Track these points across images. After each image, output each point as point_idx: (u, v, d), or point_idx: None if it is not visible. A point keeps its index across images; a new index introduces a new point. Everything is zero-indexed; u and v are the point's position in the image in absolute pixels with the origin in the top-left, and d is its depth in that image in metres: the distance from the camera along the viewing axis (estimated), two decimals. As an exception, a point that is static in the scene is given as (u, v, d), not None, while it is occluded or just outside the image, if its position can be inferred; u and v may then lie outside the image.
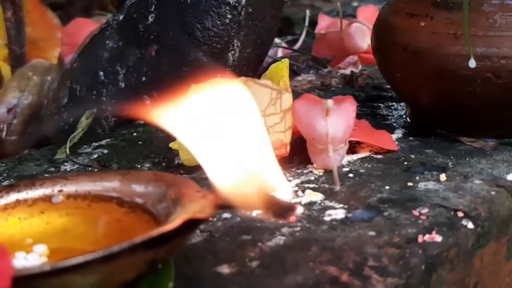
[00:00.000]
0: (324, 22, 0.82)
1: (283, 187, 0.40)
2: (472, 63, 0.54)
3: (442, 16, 0.57)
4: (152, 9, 0.67)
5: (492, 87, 0.55)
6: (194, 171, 0.54)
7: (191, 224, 0.36)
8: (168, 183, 0.42)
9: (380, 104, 0.69)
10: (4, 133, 0.74)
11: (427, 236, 0.44)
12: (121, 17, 0.68)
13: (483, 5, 0.56)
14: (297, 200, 0.49)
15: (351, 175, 0.53)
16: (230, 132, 0.40)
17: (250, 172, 0.39)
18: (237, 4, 0.65)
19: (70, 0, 1.17)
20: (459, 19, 0.55)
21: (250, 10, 0.66)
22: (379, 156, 0.56)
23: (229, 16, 0.65)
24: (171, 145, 0.59)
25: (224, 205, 0.38)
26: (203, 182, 0.51)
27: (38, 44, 0.98)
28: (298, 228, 0.45)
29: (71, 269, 0.32)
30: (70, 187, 0.44)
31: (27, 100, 0.75)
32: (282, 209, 0.38)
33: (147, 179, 0.43)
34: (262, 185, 0.39)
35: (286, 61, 0.58)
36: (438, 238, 0.44)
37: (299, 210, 0.38)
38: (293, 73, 0.80)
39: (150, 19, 0.67)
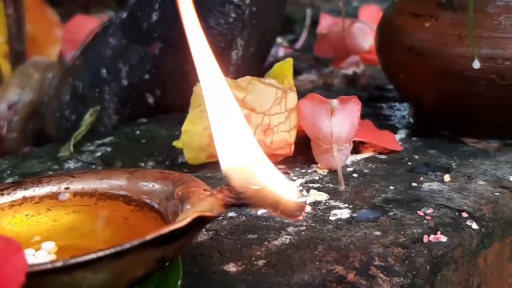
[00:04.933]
0: (326, 22, 0.82)
1: (288, 186, 0.40)
2: (476, 64, 0.54)
3: (447, 17, 0.57)
4: (156, 7, 0.67)
5: (496, 89, 0.55)
6: (198, 169, 0.54)
7: (200, 222, 0.36)
8: (175, 181, 0.42)
9: (382, 105, 0.69)
10: (4, 130, 0.73)
11: (432, 236, 0.44)
12: (124, 15, 0.68)
13: (487, 7, 0.56)
14: (302, 199, 0.49)
15: (355, 175, 0.53)
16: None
17: (257, 170, 0.39)
18: (241, 3, 0.65)
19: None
20: (463, 20, 0.55)
21: (254, 9, 0.66)
22: (383, 157, 0.56)
23: (233, 15, 0.65)
24: (175, 143, 0.59)
25: (232, 204, 0.38)
26: (208, 181, 0.51)
27: (37, 41, 0.98)
28: (304, 228, 0.45)
29: (83, 266, 0.32)
30: (77, 185, 0.44)
31: (28, 97, 0.74)
32: (290, 208, 0.38)
33: (154, 177, 0.43)
34: (270, 183, 0.39)
35: (290, 61, 0.58)
36: (443, 238, 0.44)
37: (307, 209, 0.39)
38: (295, 72, 0.80)
39: (154, 17, 0.67)
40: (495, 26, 0.55)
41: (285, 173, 0.53)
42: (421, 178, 0.52)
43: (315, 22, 0.89)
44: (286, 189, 0.39)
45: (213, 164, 0.50)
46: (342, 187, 0.51)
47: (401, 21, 0.60)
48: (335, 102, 0.53)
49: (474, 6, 0.54)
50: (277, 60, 0.73)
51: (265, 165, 0.40)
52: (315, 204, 0.48)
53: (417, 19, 0.58)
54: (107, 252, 0.32)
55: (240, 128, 0.40)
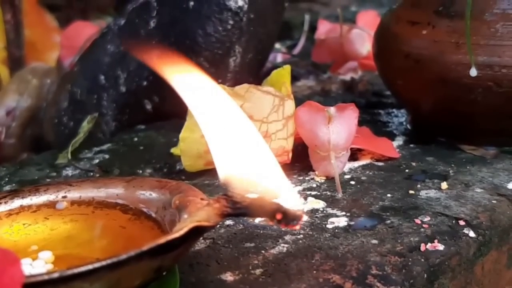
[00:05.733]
0: (324, 28, 0.82)
1: (289, 193, 0.40)
2: (473, 72, 0.54)
3: (444, 25, 0.57)
4: (154, 15, 0.67)
5: (493, 96, 0.55)
6: (196, 177, 0.54)
7: (197, 232, 0.36)
8: (173, 190, 0.42)
9: (380, 111, 0.69)
10: (2, 136, 0.74)
11: (429, 245, 0.44)
12: (122, 22, 0.68)
13: (484, 14, 0.56)
14: (300, 208, 0.49)
15: (352, 182, 0.53)
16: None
17: (255, 178, 0.39)
18: (239, 10, 0.65)
19: (69, 2, 1.17)
20: (460, 28, 0.55)
21: (252, 16, 0.66)
22: (380, 164, 0.56)
23: (231, 22, 0.65)
24: (173, 150, 0.59)
25: (229, 213, 0.38)
26: (205, 188, 0.51)
27: (35, 46, 0.98)
28: (301, 236, 0.45)
29: (79, 277, 0.32)
30: (74, 193, 0.44)
31: (26, 103, 0.75)
32: (288, 217, 0.38)
33: (151, 186, 0.43)
34: (267, 192, 0.39)
35: (288, 68, 0.58)
36: (440, 247, 0.44)
37: (304, 218, 0.39)
38: (293, 78, 0.80)
39: (152, 24, 0.67)
40: (492, 34, 0.55)
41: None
42: (419, 186, 0.52)
43: (313, 28, 0.90)
44: (286, 197, 0.39)
45: (211, 172, 0.50)
46: (340, 195, 0.51)
47: (398, 29, 0.60)
48: (332, 109, 0.53)
49: (471, 14, 0.54)
50: (275, 66, 0.73)
51: (270, 170, 0.40)
52: (312, 212, 0.49)
53: (414, 27, 0.58)
54: (104, 263, 0.32)
55: (244, 133, 0.40)
